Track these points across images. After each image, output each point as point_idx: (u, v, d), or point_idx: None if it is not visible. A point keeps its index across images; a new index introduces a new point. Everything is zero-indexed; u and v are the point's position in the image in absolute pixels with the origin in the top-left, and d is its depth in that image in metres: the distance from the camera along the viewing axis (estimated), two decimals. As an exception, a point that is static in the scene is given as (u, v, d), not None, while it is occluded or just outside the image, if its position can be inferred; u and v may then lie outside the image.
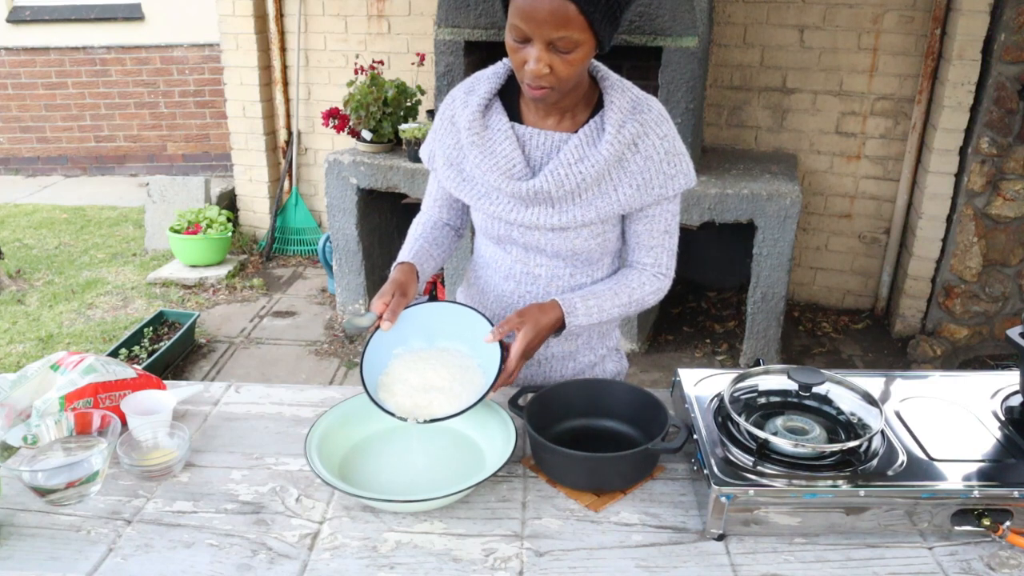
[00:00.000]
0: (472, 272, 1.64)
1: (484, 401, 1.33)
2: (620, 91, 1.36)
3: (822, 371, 1.28)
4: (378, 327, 1.36)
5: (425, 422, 1.27)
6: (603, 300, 1.44)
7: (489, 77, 1.42)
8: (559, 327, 1.41)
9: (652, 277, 1.48)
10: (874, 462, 1.17)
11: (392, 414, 1.28)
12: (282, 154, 5.07)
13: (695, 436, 1.23)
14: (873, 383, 1.40)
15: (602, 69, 1.40)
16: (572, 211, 1.39)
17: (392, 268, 1.48)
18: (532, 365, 1.59)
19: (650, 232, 1.45)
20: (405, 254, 1.52)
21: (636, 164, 1.37)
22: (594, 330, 1.57)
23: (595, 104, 1.40)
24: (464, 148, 1.43)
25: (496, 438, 1.30)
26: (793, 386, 1.29)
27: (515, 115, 1.42)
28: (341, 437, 1.32)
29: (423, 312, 1.44)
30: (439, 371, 1.36)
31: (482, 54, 3.49)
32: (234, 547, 1.12)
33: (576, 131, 1.38)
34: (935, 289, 3.81)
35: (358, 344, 3.89)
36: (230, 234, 4.72)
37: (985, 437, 1.25)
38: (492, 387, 1.31)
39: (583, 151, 1.35)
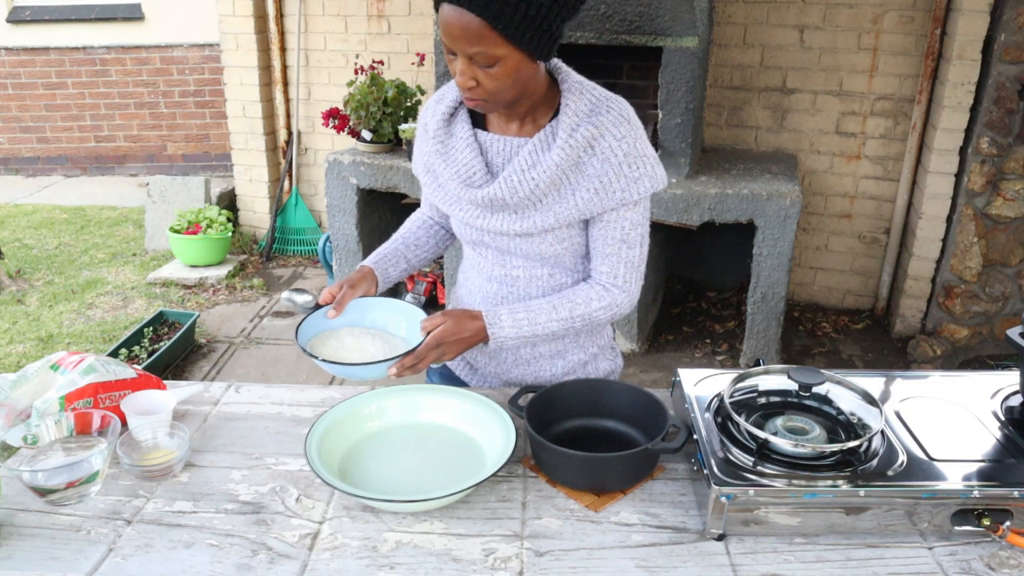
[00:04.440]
0: (461, 274, 1.66)
1: (482, 400, 1.36)
2: (578, 93, 1.34)
3: (822, 371, 1.28)
4: (317, 308, 1.47)
5: (323, 360, 1.34)
6: (536, 314, 1.42)
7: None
8: (487, 337, 1.41)
9: (603, 291, 1.44)
10: (874, 462, 1.17)
11: (304, 350, 1.36)
12: (282, 154, 5.07)
13: (695, 436, 1.23)
14: (873, 383, 1.40)
15: (563, 71, 1.37)
16: (533, 217, 1.38)
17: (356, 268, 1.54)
18: (520, 364, 1.59)
19: (604, 239, 1.41)
20: (371, 257, 1.57)
21: (594, 167, 1.34)
22: (581, 329, 1.57)
23: (558, 107, 1.37)
24: (432, 156, 1.46)
25: (496, 438, 1.30)
26: (793, 386, 1.29)
27: (481, 121, 1.43)
28: (341, 437, 1.32)
29: (369, 302, 1.52)
30: (375, 342, 1.43)
31: (482, 54, 3.49)
32: (234, 547, 1.12)
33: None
34: (935, 289, 3.81)
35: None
36: (230, 234, 4.72)
37: (985, 437, 1.25)
38: (395, 359, 1.34)
39: (536, 157, 1.34)
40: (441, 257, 4.18)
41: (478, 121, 1.43)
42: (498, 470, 1.19)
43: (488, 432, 1.33)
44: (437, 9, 1.23)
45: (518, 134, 1.40)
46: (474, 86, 1.26)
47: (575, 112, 1.32)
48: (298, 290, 1.51)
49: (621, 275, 1.43)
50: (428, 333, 1.38)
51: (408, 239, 1.64)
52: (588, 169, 1.35)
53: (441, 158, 1.43)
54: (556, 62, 1.38)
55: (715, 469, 1.14)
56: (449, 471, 1.28)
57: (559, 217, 1.37)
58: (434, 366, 1.73)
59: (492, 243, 1.47)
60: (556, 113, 1.37)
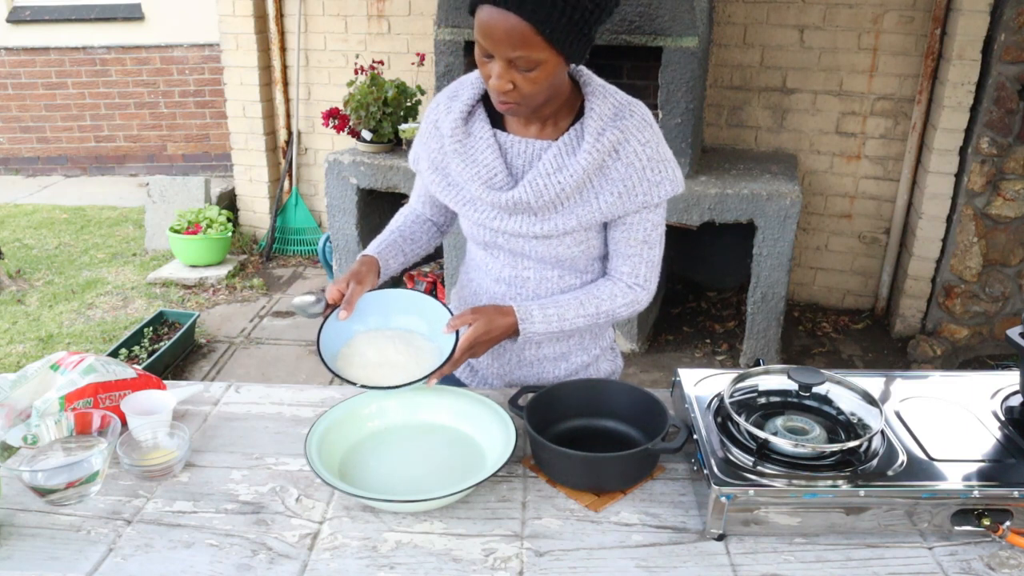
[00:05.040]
0: (464, 275, 1.64)
1: (482, 401, 1.36)
2: (602, 97, 1.34)
3: (822, 371, 1.28)
4: (330, 312, 1.43)
5: (361, 386, 1.33)
6: (565, 309, 1.43)
7: (473, 82, 1.42)
8: (515, 332, 1.41)
9: (626, 288, 1.45)
10: (874, 462, 1.17)
11: (336, 374, 1.35)
12: (282, 154, 5.07)
13: (695, 436, 1.23)
14: (873, 383, 1.40)
15: (585, 74, 1.37)
16: (554, 219, 1.38)
17: (357, 259, 1.51)
18: (524, 366, 1.59)
19: (627, 240, 1.42)
20: (372, 247, 1.55)
21: (618, 171, 1.35)
22: (585, 331, 1.56)
23: (579, 110, 1.37)
24: (447, 155, 1.44)
25: (496, 438, 1.30)
26: (793, 386, 1.29)
27: (499, 121, 1.42)
28: (341, 437, 1.32)
29: (383, 296, 1.49)
30: (399, 347, 1.41)
31: (482, 54, 3.49)
32: (234, 547, 1.12)
33: (558, 138, 1.37)
34: (935, 289, 3.81)
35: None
36: (230, 234, 4.72)
37: (985, 437, 1.25)
38: (435, 372, 1.34)
39: (562, 160, 1.34)
40: (441, 257, 4.18)
41: (496, 121, 1.42)
42: (498, 470, 1.19)
43: (488, 432, 1.33)
44: (473, 12, 1.22)
45: (539, 136, 1.39)
46: (511, 89, 1.25)
47: (600, 116, 1.32)
48: (307, 298, 1.47)
49: (643, 275, 1.45)
50: (456, 332, 1.37)
51: (404, 232, 1.62)
52: (612, 173, 1.35)
53: (459, 158, 1.40)
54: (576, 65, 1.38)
55: (715, 469, 1.14)
56: (449, 471, 1.28)
57: (581, 220, 1.37)
58: None
59: (505, 244, 1.47)
60: (577, 116, 1.37)
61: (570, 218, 1.37)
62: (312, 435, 1.27)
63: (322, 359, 1.36)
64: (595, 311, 1.44)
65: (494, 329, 1.38)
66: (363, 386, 1.33)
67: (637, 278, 1.45)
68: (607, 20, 1.26)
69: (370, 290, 1.46)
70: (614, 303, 1.45)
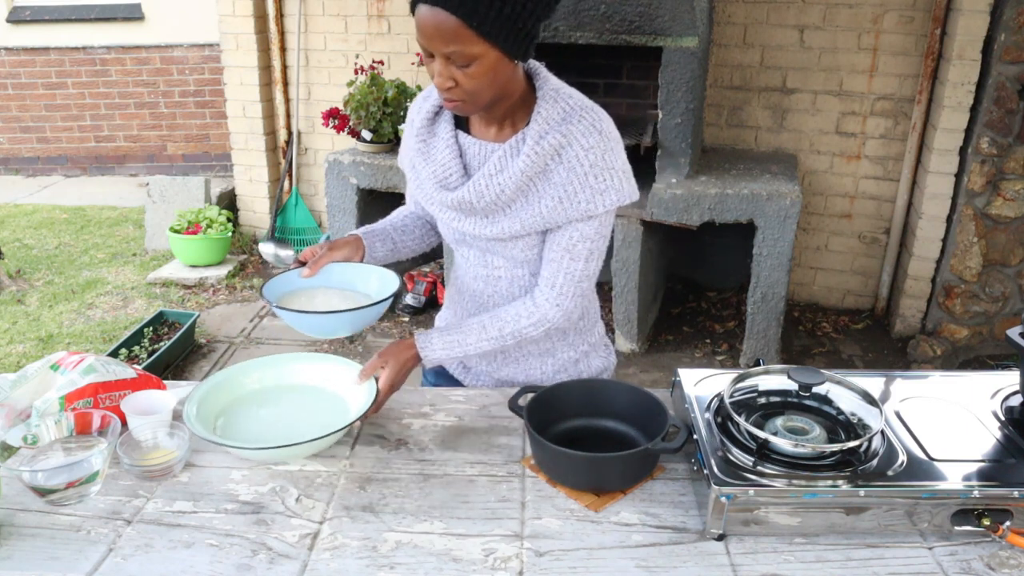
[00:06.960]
0: (453, 273, 1.67)
1: (349, 364, 1.45)
2: (552, 101, 1.33)
3: (822, 371, 1.28)
4: (301, 266, 1.52)
5: (278, 307, 1.40)
6: (467, 335, 1.44)
7: None
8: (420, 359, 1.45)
9: (534, 307, 1.43)
10: (874, 462, 1.17)
11: (264, 297, 1.44)
12: (282, 154, 5.07)
13: (695, 436, 1.23)
14: (873, 383, 1.40)
15: (542, 76, 1.36)
16: (502, 222, 1.38)
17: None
18: (510, 363, 1.60)
19: (551, 245, 1.40)
20: (362, 228, 1.61)
21: (560, 176, 1.33)
22: (571, 326, 1.56)
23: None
24: (414, 154, 1.47)
25: (360, 395, 1.39)
26: (793, 386, 1.29)
27: (464, 123, 1.43)
28: (218, 399, 1.40)
29: (347, 267, 1.55)
30: (346, 303, 1.47)
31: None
32: (234, 547, 1.12)
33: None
34: (935, 289, 3.81)
35: (358, 341, 3.90)
36: (230, 234, 4.72)
37: (985, 437, 1.25)
38: (360, 417, 1.34)
39: (504, 163, 1.34)
40: (441, 257, 4.19)
41: (461, 123, 1.43)
42: (359, 417, 1.30)
43: (353, 391, 1.42)
44: (413, 11, 1.23)
45: (496, 139, 1.39)
46: (452, 86, 1.25)
47: (546, 119, 1.31)
48: (282, 242, 1.56)
49: (559, 285, 1.41)
50: (376, 379, 1.40)
51: (396, 224, 1.66)
52: (555, 177, 1.33)
53: (422, 157, 1.44)
54: (537, 67, 1.37)
55: (715, 469, 1.14)
56: (321, 428, 1.31)
57: (525, 224, 1.37)
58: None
59: (473, 244, 1.49)
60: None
61: (515, 222, 1.37)
62: (190, 401, 1.33)
63: (262, 291, 1.46)
64: (498, 334, 1.44)
65: (404, 363, 1.42)
66: (279, 307, 1.40)
67: (552, 287, 1.41)
68: (547, 15, 1.25)
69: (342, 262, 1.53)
70: (518, 324, 1.44)
